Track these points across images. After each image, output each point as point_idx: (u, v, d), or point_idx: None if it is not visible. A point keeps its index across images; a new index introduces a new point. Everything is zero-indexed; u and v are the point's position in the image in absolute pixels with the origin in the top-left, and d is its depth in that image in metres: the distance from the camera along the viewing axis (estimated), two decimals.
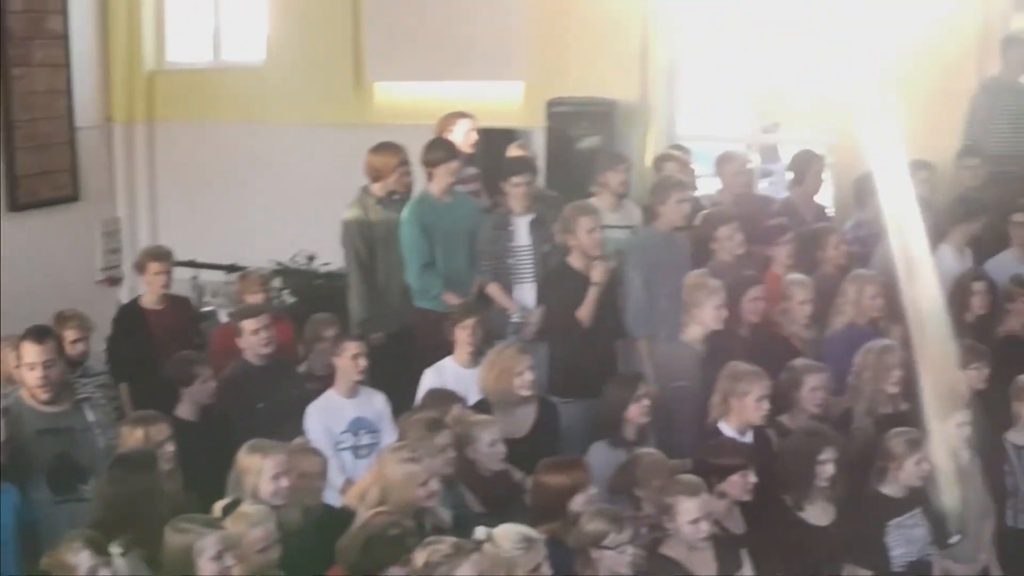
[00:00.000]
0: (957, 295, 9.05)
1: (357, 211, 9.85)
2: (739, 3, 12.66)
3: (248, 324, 8.74)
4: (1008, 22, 12.59)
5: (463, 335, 8.65)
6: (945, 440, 7.57)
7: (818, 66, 13.58)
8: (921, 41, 11.41)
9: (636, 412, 7.77)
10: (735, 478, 7.01)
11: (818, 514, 7.22)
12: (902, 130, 10.89)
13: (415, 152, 9.93)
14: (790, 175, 11.23)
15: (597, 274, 8.74)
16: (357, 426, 8.29)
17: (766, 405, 7.68)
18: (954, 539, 7.55)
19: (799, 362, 8.13)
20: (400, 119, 12.33)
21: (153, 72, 14.43)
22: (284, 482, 6.68)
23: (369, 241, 9.79)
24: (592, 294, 8.74)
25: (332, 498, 7.58)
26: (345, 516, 6.79)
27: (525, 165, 9.93)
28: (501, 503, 7.16)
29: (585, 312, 8.75)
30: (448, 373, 8.62)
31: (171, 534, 5.82)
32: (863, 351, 8.19)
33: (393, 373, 8.92)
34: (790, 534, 7.11)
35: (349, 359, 8.30)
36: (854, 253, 9.73)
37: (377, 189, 9.89)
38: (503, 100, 12.62)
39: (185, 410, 8.16)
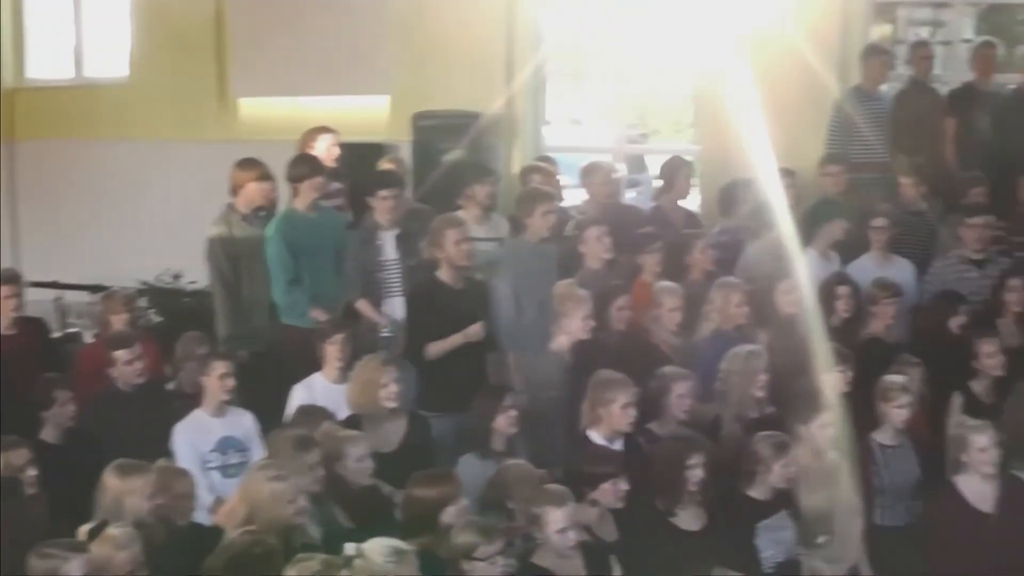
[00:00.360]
0: (822, 299, 9.18)
1: (221, 228, 9.74)
2: (605, 15, 12.75)
3: (121, 355, 8.60)
4: (868, 31, 12.84)
5: (332, 351, 8.59)
6: (810, 442, 7.68)
7: (684, 77, 13.76)
8: (784, 50, 11.57)
9: (504, 423, 7.75)
10: (606, 486, 7.05)
11: (689, 519, 7.25)
12: (767, 138, 11.10)
13: (281, 168, 9.83)
14: (659, 183, 11.33)
15: (471, 333, 8.75)
16: (225, 445, 8.17)
17: (632, 412, 7.71)
18: (822, 539, 7.65)
19: (666, 369, 8.17)
20: (265, 135, 12.26)
21: (13, 89, 14.18)
22: (154, 502, 6.59)
23: (233, 258, 9.68)
24: (455, 340, 8.74)
25: (203, 518, 7.46)
26: (214, 535, 6.68)
27: (391, 179, 9.90)
28: (372, 518, 7.10)
29: (437, 349, 8.75)
30: (318, 389, 8.55)
31: (35, 560, 5.70)
32: (730, 356, 8.28)
33: (262, 390, 8.82)
34: (661, 540, 7.13)
35: (216, 379, 8.20)
36: (719, 259, 9.82)
37: (242, 205, 9.79)
38: (369, 114, 12.60)
39: (49, 433, 8.03)
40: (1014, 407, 8.10)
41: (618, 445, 7.72)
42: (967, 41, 13.32)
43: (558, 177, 11.10)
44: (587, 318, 8.60)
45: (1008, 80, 12.14)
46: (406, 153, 11.99)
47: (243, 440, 8.24)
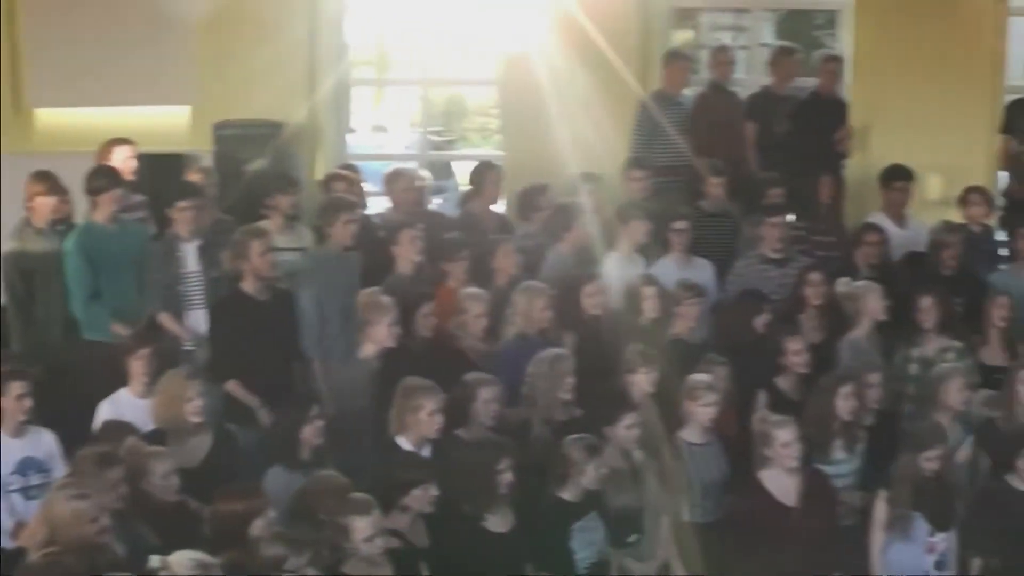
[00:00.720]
0: (628, 300, 9.29)
1: (15, 242, 9.53)
2: (409, 23, 12.77)
3: None
4: (670, 36, 13.05)
5: (137, 366, 8.41)
6: (617, 443, 7.75)
7: (489, 82, 13.82)
8: (587, 56, 11.69)
9: (310, 434, 7.67)
10: (416, 492, 7.04)
11: (499, 522, 7.27)
12: (572, 143, 11.22)
13: (79, 180, 9.61)
14: (467, 188, 11.34)
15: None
16: (25, 467, 7.91)
17: (439, 419, 7.70)
18: (632, 538, 7.74)
19: (471, 376, 8.16)
20: (63, 146, 11.96)
21: None
22: None
23: (27, 273, 9.46)
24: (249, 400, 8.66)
25: (5, 542, 7.29)
26: (13, 559, 6.50)
27: (190, 189, 9.75)
28: (179, 534, 6.96)
29: (235, 390, 8.67)
30: (124, 404, 8.36)
31: None
32: (536, 361, 8.30)
33: (65, 408, 8.60)
34: (472, 544, 7.14)
35: (13, 400, 7.95)
36: (524, 264, 9.85)
37: (36, 219, 9.56)
38: (170, 124, 12.39)
39: None
40: (816, 402, 8.28)
41: (427, 451, 7.72)
42: (765, 46, 13.61)
43: (363, 185, 11.04)
44: (392, 326, 8.55)
45: (806, 84, 12.43)
46: (209, 163, 11.82)
47: (44, 460, 7.98)
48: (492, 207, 11.11)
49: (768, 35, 22.14)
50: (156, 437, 7.79)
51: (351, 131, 13.82)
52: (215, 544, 6.57)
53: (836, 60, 12.17)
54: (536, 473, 7.56)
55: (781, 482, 7.74)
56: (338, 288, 8.87)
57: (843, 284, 9.69)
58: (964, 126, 12.15)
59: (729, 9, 18.83)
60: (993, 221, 11.35)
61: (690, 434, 8.19)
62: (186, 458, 7.65)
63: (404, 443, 7.69)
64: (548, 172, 11.23)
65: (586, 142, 11.45)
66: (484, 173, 11.05)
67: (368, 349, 8.62)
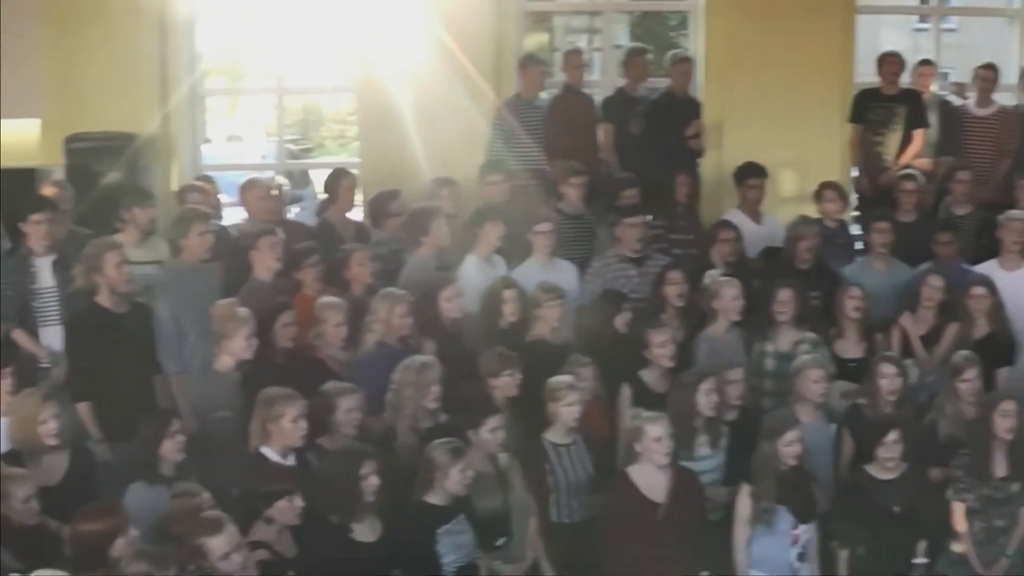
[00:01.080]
0: (489, 304, 9.30)
1: None
2: (264, 31, 12.68)
3: None
4: (524, 40, 13.09)
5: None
6: (482, 446, 7.76)
7: (346, 90, 13.75)
8: (442, 61, 11.70)
9: (171, 448, 7.56)
10: (282, 503, 6.99)
11: (366, 530, 7.24)
12: (428, 148, 11.22)
13: None
14: (324, 196, 11.27)
15: None
16: None
17: (303, 425, 7.63)
18: (500, 541, 7.75)
19: (330, 386, 8.09)
20: None
21: None
22: None
23: None
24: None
25: None
26: None
27: (42, 203, 9.57)
28: (40, 555, 6.83)
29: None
30: None
31: None
32: (402, 368, 8.24)
33: None
34: (340, 553, 7.09)
35: None
36: (382, 271, 9.83)
37: None
38: (19, 139, 12.15)
39: None
40: (677, 398, 8.35)
41: (291, 461, 7.65)
42: (619, 47, 13.72)
43: (219, 196, 10.92)
44: (250, 337, 8.44)
45: (659, 84, 12.56)
46: (62, 177, 11.62)
47: None
48: (348, 215, 11.05)
49: (623, 37, 22.39)
50: (13, 458, 7.63)
51: (206, 141, 13.67)
52: (76, 564, 6.48)
53: (686, 60, 12.33)
54: (402, 480, 7.54)
55: (650, 478, 7.78)
56: (196, 301, 8.76)
57: (709, 277, 9.83)
58: (816, 123, 12.33)
59: (583, 11, 19.01)
60: (847, 215, 11.57)
61: (555, 435, 8.20)
62: (44, 477, 7.49)
63: (269, 453, 7.60)
64: (406, 178, 11.23)
65: (444, 147, 11.47)
66: (338, 181, 10.98)
67: (225, 362, 8.48)
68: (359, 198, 11.57)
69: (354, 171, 11.63)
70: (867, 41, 15.52)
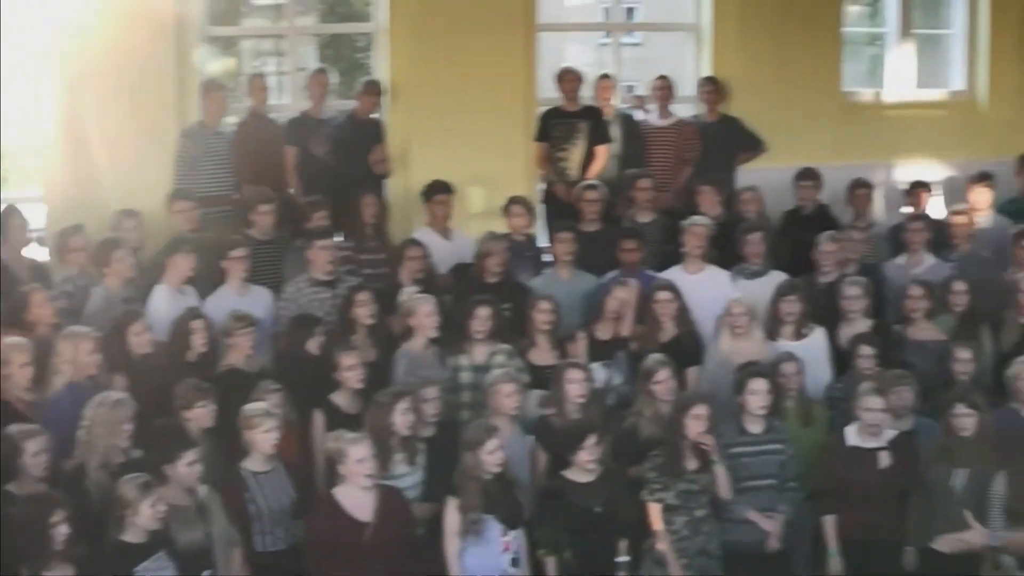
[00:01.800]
0: (177, 335, 9.19)
1: None
2: None
3: None
4: (208, 65, 12.90)
5: None
6: (180, 480, 7.64)
7: (25, 122, 13.30)
8: (122, 88, 11.46)
9: None
10: None
11: None
12: (112, 179, 10.93)
13: None
14: None
15: None
16: None
17: None
18: (205, 574, 7.62)
19: (14, 429, 7.83)
20: None
21: None
22: None
23: None
24: None
25: None
26: None
27: None
28: None
29: None
30: None
31: None
32: (94, 405, 8.06)
33: None
34: None
35: None
36: (68, 309, 9.60)
37: None
38: None
39: None
40: (373, 418, 8.38)
41: None
42: (302, 70, 13.66)
43: None
44: None
45: (346, 106, 12.57)
46: None
47: None
48: (24, 253, 10.68)
49: (312, 59, 22.29)
50: None
51: None
52: None
53: (374, 84, 12.32)
54: (95, 520, 7.38)
55: (356, 499, 7.79)
56: None
57: (405, 295, 9.94)
58: (502, 139, 12.51)
59: (269, 35, 18.84)
60: (535, 229, 11.80)
61: (253, 463, 8.15)
62: None
63: None
64: (91, 210, 10.97)
65: (128, 177, 11.26)
66: (8, 219, 10.56)
67: None
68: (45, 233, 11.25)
69: (38, 205, 11.29)
70: (553, 58, 15.84)
